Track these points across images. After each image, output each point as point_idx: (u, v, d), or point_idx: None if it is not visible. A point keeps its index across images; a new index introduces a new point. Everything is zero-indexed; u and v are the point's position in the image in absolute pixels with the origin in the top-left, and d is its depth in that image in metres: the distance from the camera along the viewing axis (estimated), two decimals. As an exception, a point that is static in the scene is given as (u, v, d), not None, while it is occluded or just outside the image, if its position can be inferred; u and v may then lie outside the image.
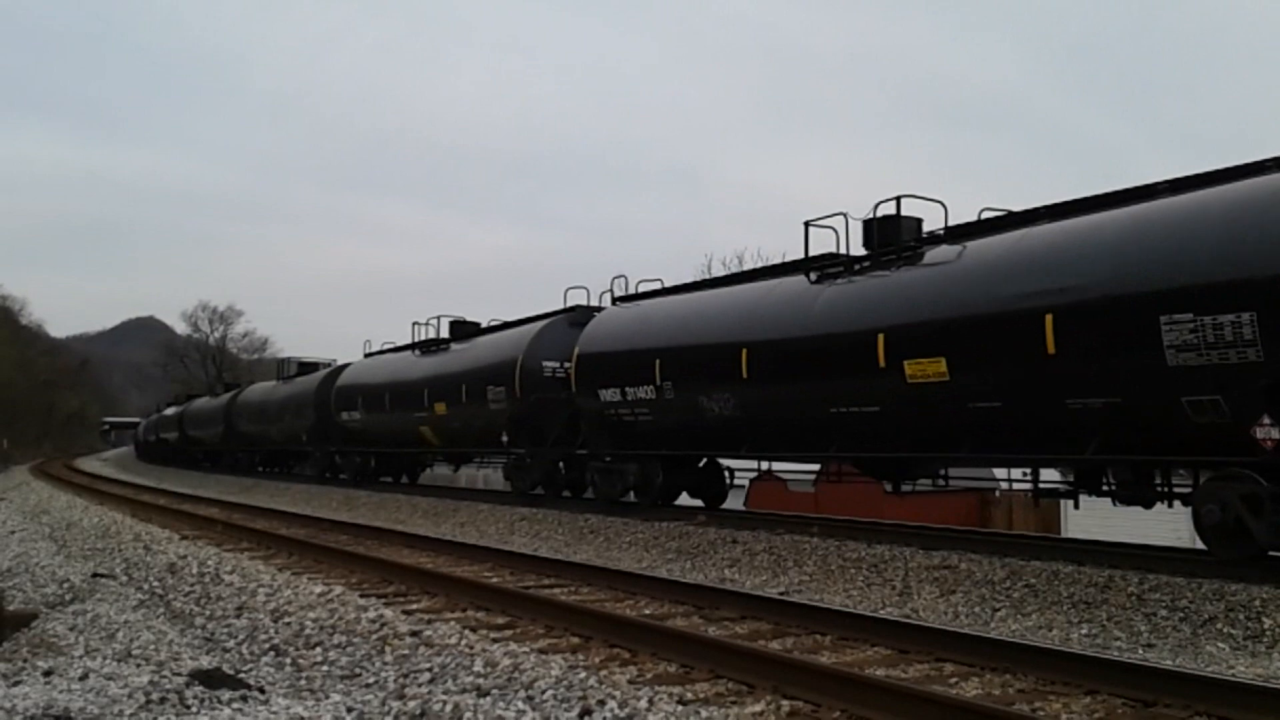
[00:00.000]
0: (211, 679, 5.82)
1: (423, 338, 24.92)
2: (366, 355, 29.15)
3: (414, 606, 9.35)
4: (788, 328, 13.60)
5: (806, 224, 14.14)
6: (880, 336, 12.04)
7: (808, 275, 13.88)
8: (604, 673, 6.48)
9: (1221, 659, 7.45)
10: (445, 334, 24.31)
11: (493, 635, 7.84)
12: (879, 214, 13.42)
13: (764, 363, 13.83)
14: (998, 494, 25.62)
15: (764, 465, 18.18)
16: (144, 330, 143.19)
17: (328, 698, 5.72)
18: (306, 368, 34.88)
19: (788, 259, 16.67)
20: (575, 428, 18.43)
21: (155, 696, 5.39)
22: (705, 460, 17.26)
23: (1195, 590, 8.72)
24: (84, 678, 5.86)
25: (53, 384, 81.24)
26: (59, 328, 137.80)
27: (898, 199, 13.09)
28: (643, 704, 5.61)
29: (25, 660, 6.65)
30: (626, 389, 16.28)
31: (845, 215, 13.80)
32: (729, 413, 14.48)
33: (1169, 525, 20.25)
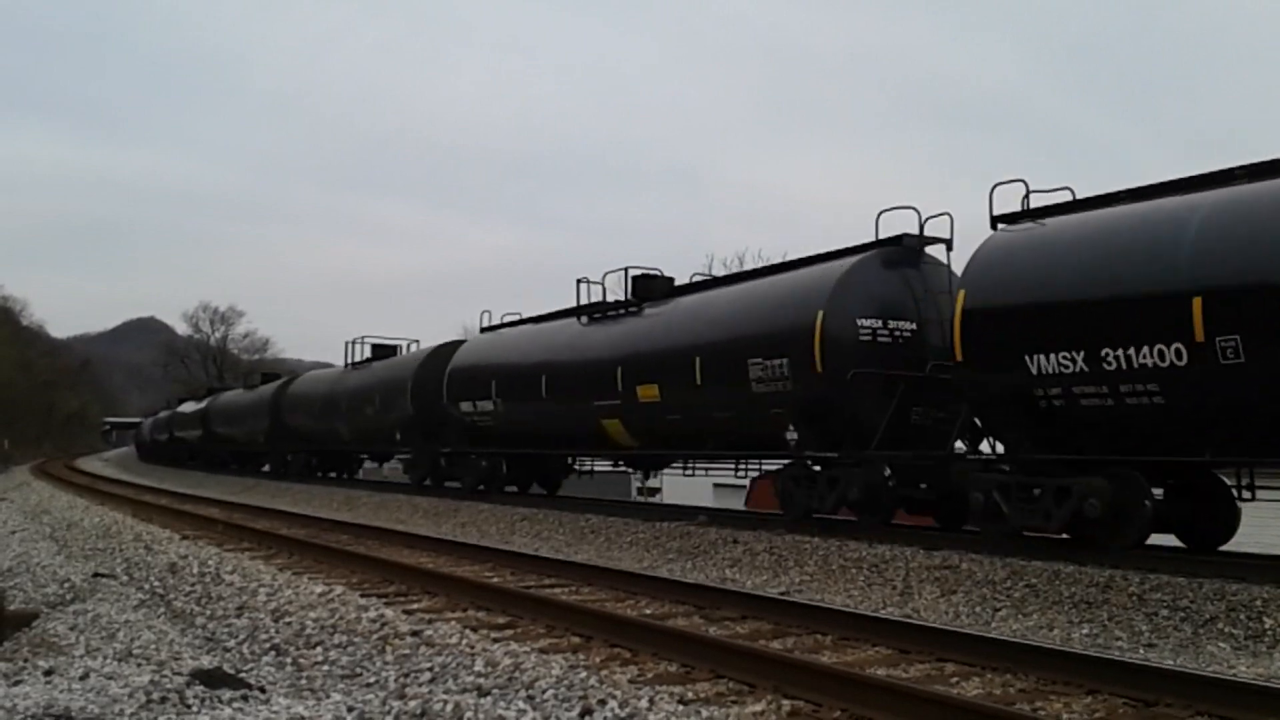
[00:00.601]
0: (212, 678, 5.82)
1: (589, 300, 18.92)
2: (485, 329, 23.12)
3: (415, 606, 9.35)
4: None
5: None
6: None
7: None
8: (605, 672, 6.48)
9: (1223, 659, 7.45)
10: (621, 294, 18.46)
11: (493, 635, 7.83)
12: None
13: None
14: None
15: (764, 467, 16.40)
16: (144, 331, 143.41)
17: (328, 697, 5.71)
18: (384, 351, 28.73)
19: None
20: (906, 420, 13.12)
21: (156, 696, 5.38)
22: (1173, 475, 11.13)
23: (1196, 590, 8.72)
24: (85, 677, 5.86)
25: (53, 384, 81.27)
26: (59, 328, 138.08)
27: None
28: (643, 704, 5.61)
29: (26, 660, 6.64)
30: (1107, 354, 10.02)
31: None
32: None
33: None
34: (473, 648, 7.07)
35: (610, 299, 19.02)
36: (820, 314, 13.29)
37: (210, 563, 11.60)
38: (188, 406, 51.73)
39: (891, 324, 13.51)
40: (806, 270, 14.53)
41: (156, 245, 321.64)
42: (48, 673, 6.02)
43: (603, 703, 5.57)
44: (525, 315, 21.99)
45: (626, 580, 10.52)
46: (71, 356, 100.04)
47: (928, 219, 13.79)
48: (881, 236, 14.02)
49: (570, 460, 21.67)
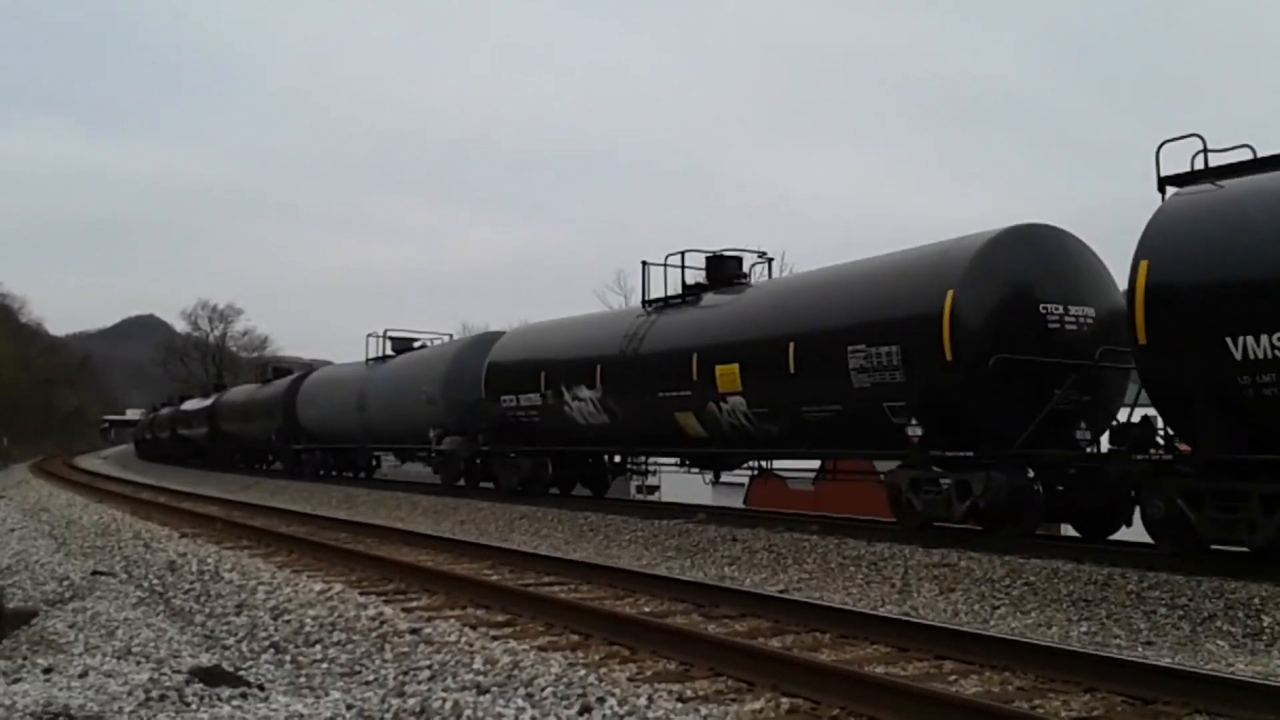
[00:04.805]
0: (211, 676, 5.83)
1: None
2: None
3: (414, 604, 9.35)
4: None
5: None
6: None
7: None
8: (604, 670, 6.49)
9: (1221, 656, 7.45)
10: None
11: (492, 633, 7.83)
12: None
13: None
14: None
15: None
16: (144, 328, 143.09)
17: (327, 695, 5.72)
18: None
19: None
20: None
21: (155, 694, 5.39)
22: None
23: (1195, 588, 8.72)
24: (84, 675, 5.87)
25: (52, 382, 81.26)
26: (59, 325, 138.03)
27: None
28: (642, 701, 5.61)
29: (25, 658, 6.65)
30: None
31: None
32: None
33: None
34: (472, 645, 7.07)
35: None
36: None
37: (209, 560, 11.60)
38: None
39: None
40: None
41: (156, 243, 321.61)
42: (47, 670, 6.02)
43: (601, 700, 5.58)
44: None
45: (625, 578, 10.52)
46: (70, 354, 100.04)
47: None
48: None
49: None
